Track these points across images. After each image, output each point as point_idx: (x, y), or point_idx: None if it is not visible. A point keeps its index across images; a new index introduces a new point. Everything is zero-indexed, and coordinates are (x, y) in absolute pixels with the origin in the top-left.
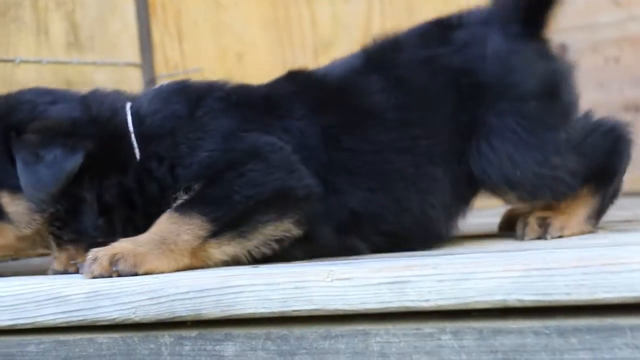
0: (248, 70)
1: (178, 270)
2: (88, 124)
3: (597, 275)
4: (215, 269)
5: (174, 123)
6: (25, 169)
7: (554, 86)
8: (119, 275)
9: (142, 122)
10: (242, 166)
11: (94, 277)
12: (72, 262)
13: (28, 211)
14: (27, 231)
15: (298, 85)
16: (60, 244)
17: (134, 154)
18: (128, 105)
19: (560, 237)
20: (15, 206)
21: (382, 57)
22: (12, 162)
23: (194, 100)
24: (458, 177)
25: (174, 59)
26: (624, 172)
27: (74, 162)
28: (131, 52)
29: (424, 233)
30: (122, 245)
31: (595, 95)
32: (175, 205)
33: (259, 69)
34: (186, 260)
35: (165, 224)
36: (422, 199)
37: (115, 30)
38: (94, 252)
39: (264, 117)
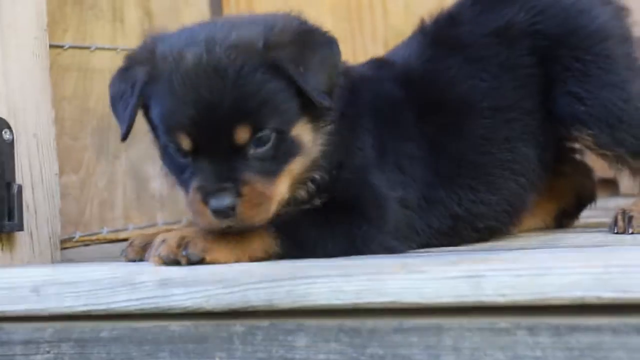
0: None
1: (240, 261)
2: (315, 26)
3: None
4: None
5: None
6: (304, 79)
7: (624, 28)
8: (188, 260)
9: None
10: (358, 214)
11: (161, 259)
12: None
13: (315, 134)
14: (317, 154)
15: (398, 85)
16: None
17: None
18: None
19: None
20: (307, 133)
21: (447, 37)
22: (292, 92)
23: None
24: (545, 146)
25: None
26: None
27: (338, 53)
28: None
29: (513, 214)
30: (191, 229)
31: None
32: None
33: None
34: (248, 258)
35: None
36: (516, 183)
37: (188, 18)
38: (162, 235)
39: (390, 138)
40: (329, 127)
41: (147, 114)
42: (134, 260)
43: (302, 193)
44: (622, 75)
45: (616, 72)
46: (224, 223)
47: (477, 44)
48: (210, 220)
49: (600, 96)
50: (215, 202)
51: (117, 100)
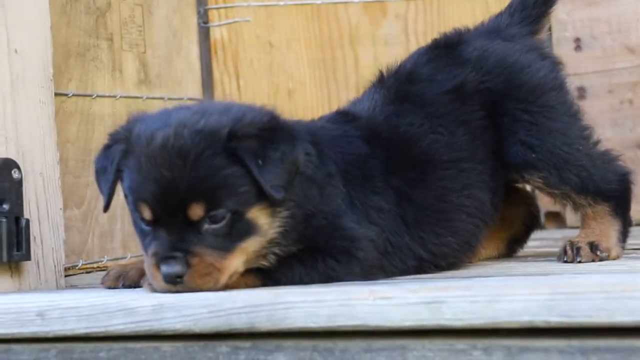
0: (297, 105)
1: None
2: (284, 122)
3: (617, 300)
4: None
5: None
6: (259, 171)
7: (561, 80)
8: (177, 290)
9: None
10: (330, 257)
11: (152, 290)
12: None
13: (272, 218)
14: (273, 236)
15: (367, 140)
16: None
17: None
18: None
19: (607, 257)
20: (263, 216)
21: (408, 93)
22: (251, 175)
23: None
24: (495, 189)
25: (231, 95)
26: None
27: (299, 150)
28: (194, 88)
29: (470, 250)
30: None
31: (610, 133)
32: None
33: (307, 104)
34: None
35: None
36: (473, 224)
37: (181, 69)
38: None
39: (358, 194)
40: (286, 212)
41: (122, 184)
42: (111, 288)
43: (264, 264)
44: (564, 122)
45: (558, 120)
46: (174, 288)
47: (435, 101)
48: (161, 284)
49: (547, 142)
50: (165, 268)
51: (99, 175)
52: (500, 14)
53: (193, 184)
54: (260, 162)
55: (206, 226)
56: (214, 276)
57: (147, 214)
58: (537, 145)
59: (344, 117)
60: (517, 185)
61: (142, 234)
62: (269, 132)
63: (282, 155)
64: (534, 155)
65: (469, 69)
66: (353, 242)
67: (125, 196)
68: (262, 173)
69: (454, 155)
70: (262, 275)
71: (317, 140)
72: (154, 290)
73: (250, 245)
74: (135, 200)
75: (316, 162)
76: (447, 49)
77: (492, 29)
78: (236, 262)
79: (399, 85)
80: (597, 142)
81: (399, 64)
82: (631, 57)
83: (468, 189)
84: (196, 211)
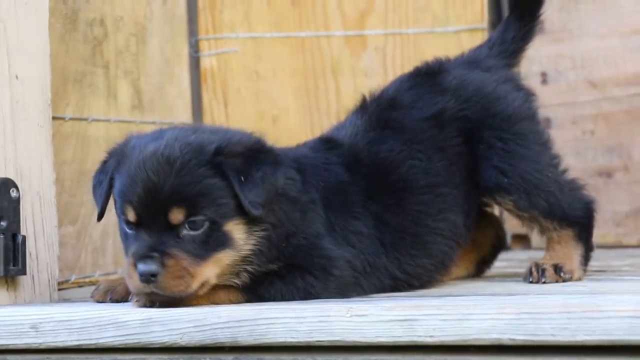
0: (282, 131)
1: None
2: (270, 147)
3: (579, 320)
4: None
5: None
6: (241, 188)
7: (534, 110)
8: (160, 305)
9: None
10: (308, 274)
11: (139, 305)
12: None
13: (247, 235)
14: (246, 253)
15: (348, 167)
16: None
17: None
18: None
19: (570, 278)
20: (239, 231)
21: (389, 119)
22: (233, 189)
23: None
24: (468, 212)
25: (219, 120)
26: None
27: (280, 174)
28: (184, 114)
29: (443, 270)
30: None
31: (574, 162)
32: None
33: (291, 130)
34: (212, 303)
35: None
36: (447, 245)
37: (172, 95)
38: None
39: (338, 219)
40: (262, 233)
41: (114, 191)
42: (100, 302)
43: (236, 282)
44: (535, 149)
45: (530, 148)
46: (148, 288)
47: (415, 127)
48: (137, 283)
49: (519, 169)
50: (141, 266)
51: (95, 188)
52: (480, 47)
53: (176, 189)
54: (242, 178)
55: (185, 232)
56: (185, 280)
57: (131, 215)
58: (509, 171)
59: (326, 144)
60: (486, 209)
61: (125, 239)
62: (254, 152)
63: (263, 175)
64: (506, 180)
65: (448, 97)
66: (330, 261)
67: (115, 203)
68: (243, 189)
69: (431, 180)
70: (246, 291)
71: (302, 168)
72: (141, 305)
73: (225, 258)
74: (121, 203)
75: (300, 187)
76: (429, 76)
77: (471, 60)
78: (209, 271)
79: (381, 111)
80: (565, 171)
81: (381, 89)
82: (593, 91)
83: (443, 213)
84: (176, 215)
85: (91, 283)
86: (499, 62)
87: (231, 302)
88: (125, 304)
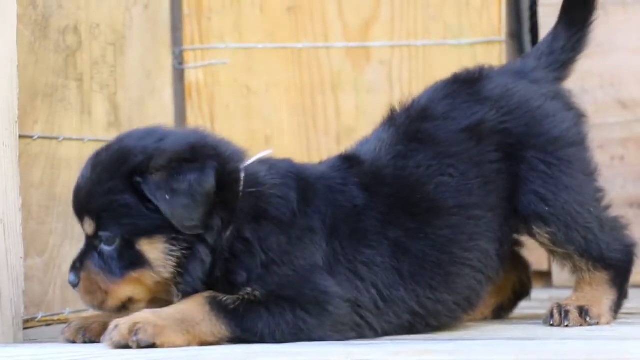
0: (275, 152)
1: (190, 345)
2: (207, 146)
3: None
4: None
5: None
6: (168, 206)
7: (583, 135)
8: (138, 345)
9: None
10: (299, 308)
11: (114, 344)
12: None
13: (164, 255)
14: (166, 275)
15: (367, 188)
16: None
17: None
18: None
19: (597, 324)
20: (154, 251)
21: (419, 131)
22: (145, 207)
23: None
24: (503, 240)
25: None
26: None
27: (209, 180)
28: None
29: (468, 308)
30: (144, 315)
31: None
32: (219, 298)
33: (285, 152)
34: (198, 341)
35: (193, 308)
36: (475, 279)
37: (153, 112)
38: (116, 321)
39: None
40: (187, 252)
41: None
42: (71, 341)
43: (175, 300)
44: (580, 179)
45: (575, 177)
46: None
47: (448, 140)
48: None
49: (561, 198)
50: (69, 275)
51: None
52: (527, 57)
53: (86, 199)
54: (167, 196)
55: (102, 246)
56: (98, 296)
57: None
58: (551, 200)
59: (346, 162)
60: (516, 244)
61: None
62: (178, 163)
63: (189, 186)
64: (547, 209)
65: (488, 107)
66: (324, 295)
67: None
68: (170, 206)
69: (462, 200)
70: (231, 325)
71: (309, 189)
72: (115, 346)
73: (143, 278)
74: None
75: (294, 209)
76: (467, 84)
77: (517, 70)
78: (125, 290)
79: (410, 123)
80: (608, 207)
81: (412, 99)
82: (623, 112)
83: (474, 240)
84: (87, 227)
85: (60, 321)
86: (548, 75)
87: (214, 336)
88: (99, 344)
